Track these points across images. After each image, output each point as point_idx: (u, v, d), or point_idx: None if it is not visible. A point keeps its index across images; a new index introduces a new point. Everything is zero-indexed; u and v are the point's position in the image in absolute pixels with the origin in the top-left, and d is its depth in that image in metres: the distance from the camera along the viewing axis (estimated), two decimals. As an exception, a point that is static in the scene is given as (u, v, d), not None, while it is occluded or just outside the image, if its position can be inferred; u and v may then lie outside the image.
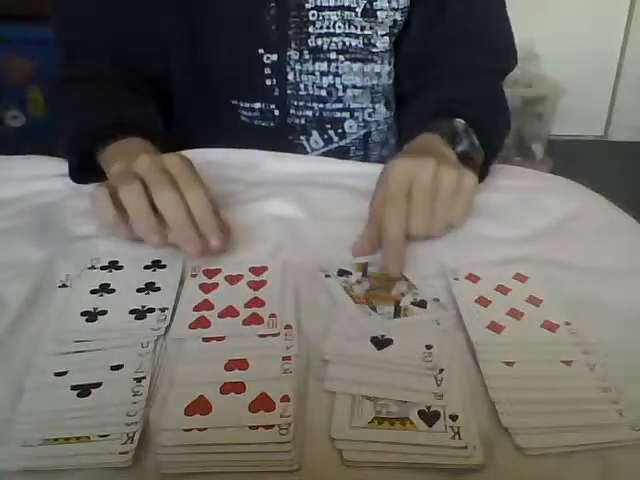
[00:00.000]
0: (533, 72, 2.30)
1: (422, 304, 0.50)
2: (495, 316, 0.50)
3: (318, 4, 0.75)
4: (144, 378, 0.43)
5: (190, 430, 0.39)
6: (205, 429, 0.39)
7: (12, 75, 1.81)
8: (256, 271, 0.54)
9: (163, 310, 0.49)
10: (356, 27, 0.77)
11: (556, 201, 0.68)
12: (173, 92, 0.84)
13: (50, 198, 0.67)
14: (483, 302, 0.52)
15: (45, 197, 0.67)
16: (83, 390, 0.42)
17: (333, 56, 0.78)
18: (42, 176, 0.71)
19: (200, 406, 0.41)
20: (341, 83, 0.80)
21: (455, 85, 0.78)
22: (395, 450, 0.39)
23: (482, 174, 0.68)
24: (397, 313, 0.49)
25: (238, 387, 0.42)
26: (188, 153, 0.59)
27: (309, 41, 0.77)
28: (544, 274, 0.55)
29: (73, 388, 0.43)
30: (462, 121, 0.68)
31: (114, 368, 0.44)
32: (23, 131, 1.89)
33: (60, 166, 0.70)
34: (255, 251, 0.59)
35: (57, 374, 0.44)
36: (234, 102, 0.81)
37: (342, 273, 0.54)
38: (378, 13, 0.77)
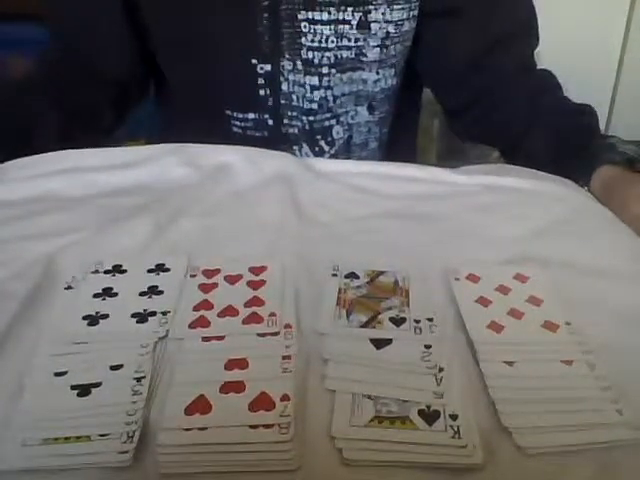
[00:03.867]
0: (533, 72, 2.29)
1: (399, 322, 0.48)
2: (495, 316, 0.50)
3: (310, 17, 0.74)
4: (144, 378, 0.43)
5: (190, 430, 0.39)
6: (205, 428, 0.39)
7: (12, 75, 1.81)
8: (255, 271, 0.54)
9: (165, 314, 0.49)
10: (349, 39, 0.76)
11: (556, 201, 0.68)
12: (165, 101, 0.84)
13: (57, 195, 0.67)
14: (483, 302, 0.52)
15: (52, 194, 0.67)
16: (83, 390, 0.42)
17: (325, 70, 0.78)
18: (49, 173, 0.70)
19: (200, 405, 0.41)
20: (332, 95, 0.80)
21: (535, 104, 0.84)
22: (395, 449, 0.39)
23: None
24: (367, 324, 0.48)
25: (238, 386, 0.42)
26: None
27: (302, 52, 0.76)
28: (544, 274, 0.55)
29: (73, 388, 0.43)
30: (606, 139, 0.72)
31: (114, 368, 0.44)
32: (23, 131, 1.89)
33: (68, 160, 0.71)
34: (257, 250, 0.59)
35: (57, 374, 0.44)
36: (227, 112, 0.80)
37: (349, 275, 0.54)
38: (372, 25, 0.76)
